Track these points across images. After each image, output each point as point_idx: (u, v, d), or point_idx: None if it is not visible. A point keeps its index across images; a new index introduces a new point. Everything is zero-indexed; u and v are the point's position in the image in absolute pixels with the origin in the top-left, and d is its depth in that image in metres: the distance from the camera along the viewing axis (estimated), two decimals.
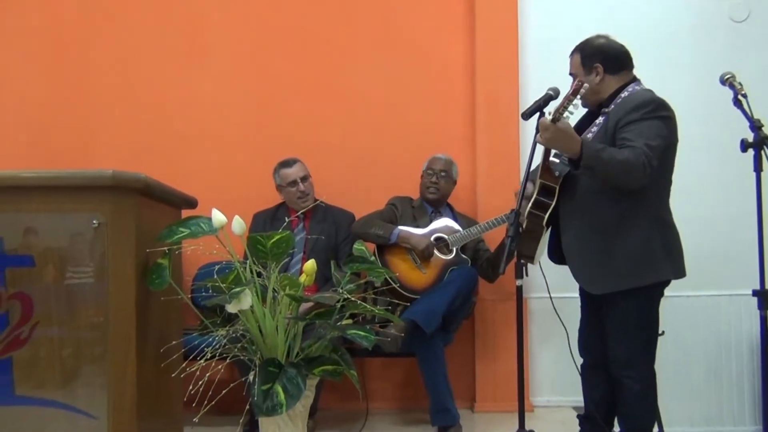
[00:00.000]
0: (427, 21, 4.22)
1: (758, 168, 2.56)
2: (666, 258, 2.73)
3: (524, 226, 2.78)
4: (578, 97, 2.61)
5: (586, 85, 2.63)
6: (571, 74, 2.88)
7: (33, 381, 2.17)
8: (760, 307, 2.59)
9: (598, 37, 2.87)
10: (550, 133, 2.57)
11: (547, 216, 2.77)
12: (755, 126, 2.56)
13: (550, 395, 3.99)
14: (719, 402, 3.87)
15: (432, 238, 3.63)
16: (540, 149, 2.77)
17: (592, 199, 2.73)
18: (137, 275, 2.24)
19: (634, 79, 2.82)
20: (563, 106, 2.60)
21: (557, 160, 2.78)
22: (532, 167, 2.84)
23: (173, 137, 4.19)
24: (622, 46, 2.85)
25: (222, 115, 4.21)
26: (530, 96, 3.83)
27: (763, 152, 2.54)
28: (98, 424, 2.16)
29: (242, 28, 4.25)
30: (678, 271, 2.76)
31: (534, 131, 2.76)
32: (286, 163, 3.83)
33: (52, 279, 2.21)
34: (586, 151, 2.54)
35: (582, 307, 3.02)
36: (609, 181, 2.64)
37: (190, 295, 3.32)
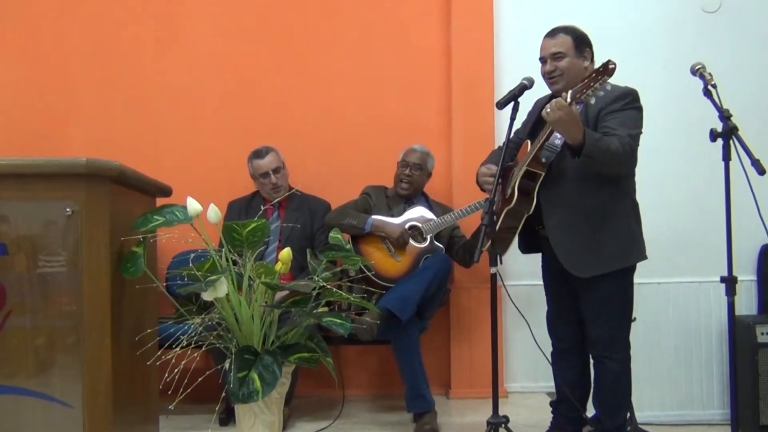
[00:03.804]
0: (403, 9, 4.22)
1: (726, 157, 2.61)
2: (641, 239, 2.88)
3: (503, 216, 2.83)
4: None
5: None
6: (555, 53, 2.83)
7: (7, 370, 2.15)
8: (728, 293, 2.65)
9: (572, 25, 2.89)
10: (563, 114, 2.54)
11: (534, 203, 2.81)
12: (724, 116, 2.61)
13: (524, 381, 4.04)
14: (689, 387, 3.93)
15: (406, 227, 3.65)
16: (512, 136, 2.81)
17: (576, 186, 2.79)
18: (111, 264, 2.22)
19: None
20: (592, 87, 2.53)
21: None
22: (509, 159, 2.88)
23: (148, 125, 4.16)
24: None
25: (197, 103, 4.19)
26: (506, 84, 3.86)
27: (731, 142, 2.59)
28: (73, 412, 2.15)
29: (218, 14, 4.22)
30: (645, 252, 2.89)
31: (510, 118, 2.79)
32: (258, 154, 3.80)
33: (24, 267, 2.18)
34: (588, 140, 2.58)
35: (549, 293, 3.08)
36: (601, 169, 2.70)
37: (165, 284, 3.30)
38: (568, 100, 2.56)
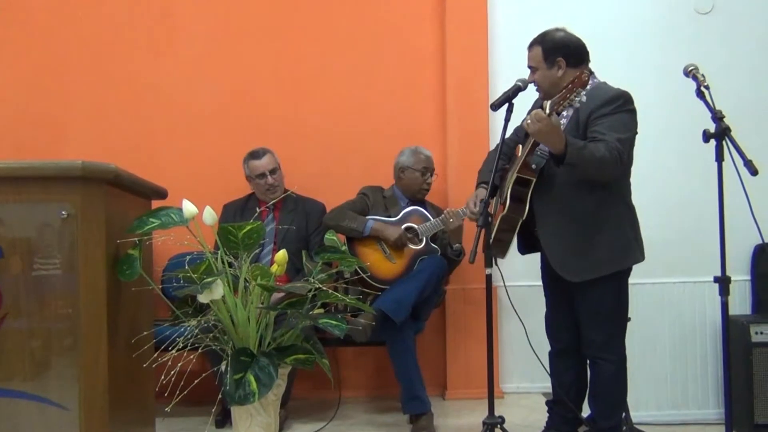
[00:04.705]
0: (397, 11, 4.23)
1: (719, 158, 2.61)
2: (636, 243, 2.87)
3: (498, 222, 2.84)
4: (584, 90, 2.58)
5: (590, 76, 2.65)
6: (530, 67, 2.92)
7: (3, 373, 2.15)
8: (721, 293, 2.65)
9: (557, 30, 2.91)
10: (543, 126, 2.57)
11: (527, 209, 2.82)
12: (717, 117, 2.61)
13: (519, 382, 4.05)
14: (684, 387, 3.94)
15: (403, 228, 3.65)
16: (505, 139, 2.82)
17: (568, 191, 2.80)
18: (107, 266, 2.23)
19: (591, 72, 2.89)
20: (567, 98, 2.59)
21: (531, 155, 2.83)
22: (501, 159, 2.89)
23: (143, 128, 4.16)
24: (580, 40, 2.91)
25: (192, 105, 4.18)
26: (500, 85, 3.87)
27: (724, 143, 2.60)
28: (70, 415, 2.15)
29: (213, 17, 4.22)
30: (642, 254, 2.89)
31: (504, 119, 2.81)
32: (255, 155, 3.81)
33: (20, 270, 2.19)
34: (570, 149, 2.59)
35: (547, 295, 3.09)
36: (587, 176, 2.71)
37: (160, 286, 3.31)
38: (547, 111, 2.60)
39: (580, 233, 2.80)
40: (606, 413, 2.91)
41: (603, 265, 2.79)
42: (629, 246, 2.84)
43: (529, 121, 2.61)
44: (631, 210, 2.89)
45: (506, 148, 3.07)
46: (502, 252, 2.91)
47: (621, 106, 2.74)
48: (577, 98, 2.57)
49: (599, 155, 2.61)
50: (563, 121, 2.83)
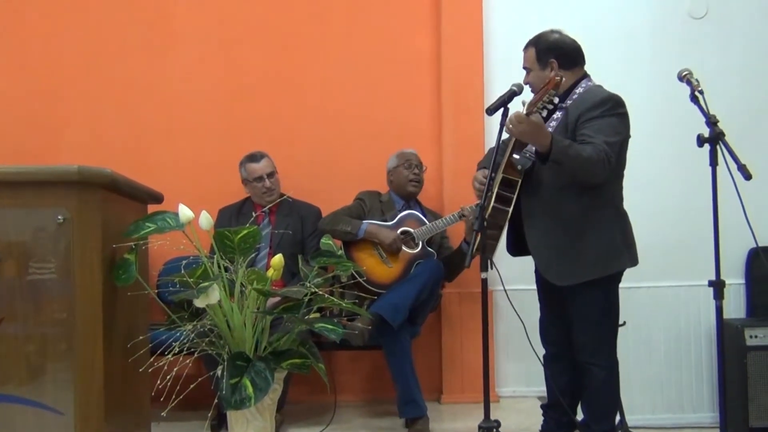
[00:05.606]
0: (393, 15, 4.24)
1: (713, 162, 2.63)
2: (625, 247, 2.85)
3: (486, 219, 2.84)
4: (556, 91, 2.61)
5: (563, 78, 2.68)
6: (525, 68, 2.94)
7: None
8: (716, 297, 2.66)
9: (552, 32, 2.92)
10: (525, 126, 2.59)
11: (511, 210, 2.82)
12: (711, 122, 2.63)
13: (515, 386, 4.05)
14: (679, 390, 3.95)
15: (398, 232, 3.66)
16: (501, 141, 2.83)
17: (555, 194, 2.80)
18: (103, 271, 2.23)
19: (585, 75, 2.90)
20: (541, 100, 2.61)
21: (518, 156, 2.83)
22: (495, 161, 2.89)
23: (139, 132, 4.15)
24: (575, 42, 2.92)
25: (187, 110, 4.18)
26: (495, 90, 3.88)
27: (718, 147, 2.61)
28: (65, 420, 2.15)
29: (209, 21, 4.22)
30: (633, 259, 2.88)
31: (499, 123, 2.81)
32: (253, 158, 3.81)
33: (15, 274, 2.19)
34: (555, 147, 2.60)
35: (541, 299, 3.09)
36: (573, 177, 2.71)
37: (156, 291, 3.30)
38: (525, 112, 2.61)
39: (565, 236, 2.80)
40: (598, 418, 2.91)
41: (587, 270, 2.78)
42: (616, 251, 2.81)
43: (511, 126, 2.62)
44: (621, 215, 2.88)
45: (503, 146, 3.07)
46: (490, 251, 2.91)
47: (610, 109, 2.74)
48: (550, 101, 2.60)
49: (585, 155, 2.61)
50: (552, 123, 2.84)
